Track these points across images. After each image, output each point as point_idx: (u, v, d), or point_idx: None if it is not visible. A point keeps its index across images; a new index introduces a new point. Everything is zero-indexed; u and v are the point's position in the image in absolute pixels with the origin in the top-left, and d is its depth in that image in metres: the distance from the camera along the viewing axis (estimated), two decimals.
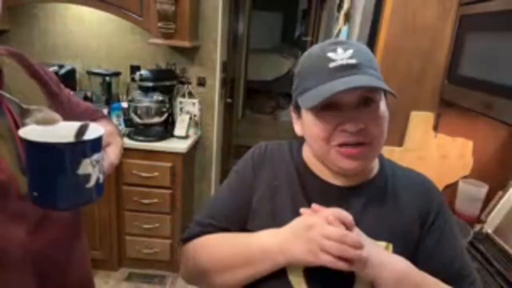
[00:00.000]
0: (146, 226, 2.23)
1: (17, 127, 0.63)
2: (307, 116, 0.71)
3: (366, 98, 0.66)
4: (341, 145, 0.67)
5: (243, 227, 0.77)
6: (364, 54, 0.68)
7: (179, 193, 2.22)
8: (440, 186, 1.47)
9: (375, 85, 0.63)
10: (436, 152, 1.46)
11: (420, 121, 1.42)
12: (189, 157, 2.40)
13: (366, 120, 0.66)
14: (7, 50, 0.74)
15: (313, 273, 0.67)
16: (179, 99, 2.44)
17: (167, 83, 2.29)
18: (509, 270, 1.06)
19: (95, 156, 0.51)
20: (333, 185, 0.74)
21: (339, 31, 1.97)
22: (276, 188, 0.76)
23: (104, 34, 2.43)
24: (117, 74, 2.43)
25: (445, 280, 0.69)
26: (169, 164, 2.14)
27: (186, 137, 2.29)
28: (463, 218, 1.39)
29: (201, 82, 2.49)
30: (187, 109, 2.45)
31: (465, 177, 1.48)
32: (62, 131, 0.52)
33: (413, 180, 0.77)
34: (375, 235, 0.69)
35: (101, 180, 0.53)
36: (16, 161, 0.63)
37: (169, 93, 2.30)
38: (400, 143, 1.45)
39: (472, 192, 1.40)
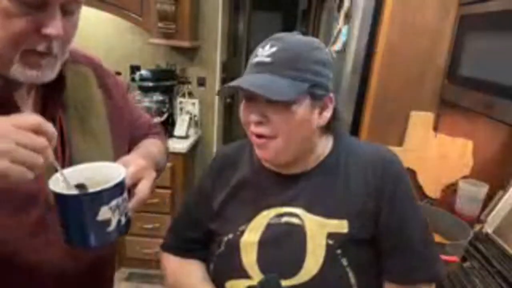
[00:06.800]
0: (146, 226, 2.23)
1: (62, 140, 0.66)
2: None
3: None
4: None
5: (208, 227, 0.83)
6: (289, 53, 0.68)
7: (179, 193, 2.22)
8: (440, 186, 1.47)
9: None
10: (436, 152, 1.45)
11: (420, 121, 1.42)
12: (189, 157, 2.40)
13: (271, 114, 0.68)
14: (87, 58, 0.75)
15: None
16: (179, 99, 2.44)
17: (167, 83, 2.29)
18: (509, 270, 1.06)
19: (114, 202, 0.52)
20: (286, 175, 0.78)
21: (339, 31, 1.97)
22: (232, 191, 0.81)
23: (104, 34, 2.43)
24: (117, 74, 2.42)
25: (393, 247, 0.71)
26: (169, 164, 2.14)
27: (186, 137, 2.29)
28: (463, 218, 1.38)
29: (201, 82, 2.49)
30: (187, 109, 2.45)
31: (465, 177, 1.47)
32: (107, 171, 0.56)
33: (368, 155, 0.77)
34: (330, 214, 0.72)
35: (123, 222, 0.55)
36: (52, 173, 0.63)
37: (169, 93, 2.30)
38: (400, 143, 1.45)
39: (472, 192, 1.39)
